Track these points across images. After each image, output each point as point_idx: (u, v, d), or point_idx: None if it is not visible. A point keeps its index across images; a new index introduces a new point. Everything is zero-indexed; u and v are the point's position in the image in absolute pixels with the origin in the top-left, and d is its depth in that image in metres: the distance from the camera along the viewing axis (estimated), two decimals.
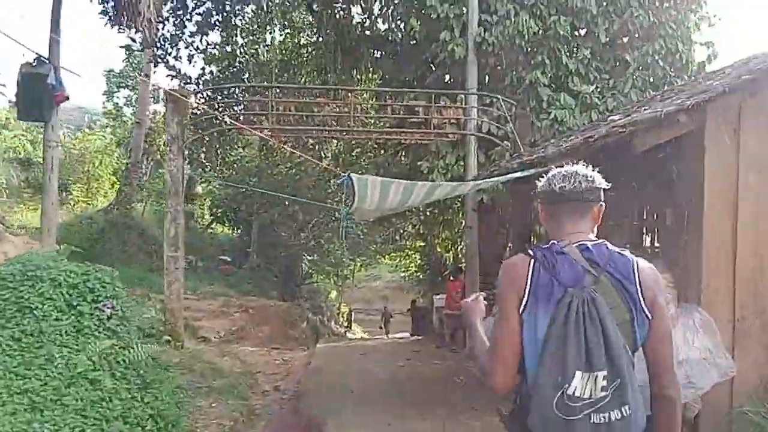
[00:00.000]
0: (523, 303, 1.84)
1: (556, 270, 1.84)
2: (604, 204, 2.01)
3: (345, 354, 10.88)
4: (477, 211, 9.58)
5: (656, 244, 5.26)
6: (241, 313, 12.38)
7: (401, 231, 19.56)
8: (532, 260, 1.89)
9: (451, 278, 11.78)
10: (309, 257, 26.69)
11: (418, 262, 25.89)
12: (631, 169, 4.91)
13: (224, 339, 11.42)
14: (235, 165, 17.42)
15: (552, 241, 1.95)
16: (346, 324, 35.01)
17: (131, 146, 16.74)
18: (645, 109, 4.69)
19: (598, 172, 2.00)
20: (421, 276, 24.13)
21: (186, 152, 13.87)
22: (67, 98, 7.52)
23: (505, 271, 1.95)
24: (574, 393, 1.71)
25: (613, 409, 1.73)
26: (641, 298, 1.84)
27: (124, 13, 8.16)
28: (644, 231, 5.42)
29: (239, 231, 23.42)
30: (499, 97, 7.73)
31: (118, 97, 30.59)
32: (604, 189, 2.00)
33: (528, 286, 1.85)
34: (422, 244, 22.16)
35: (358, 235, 23.97)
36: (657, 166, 4.59)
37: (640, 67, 10.31)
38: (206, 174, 18.79)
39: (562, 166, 2.05)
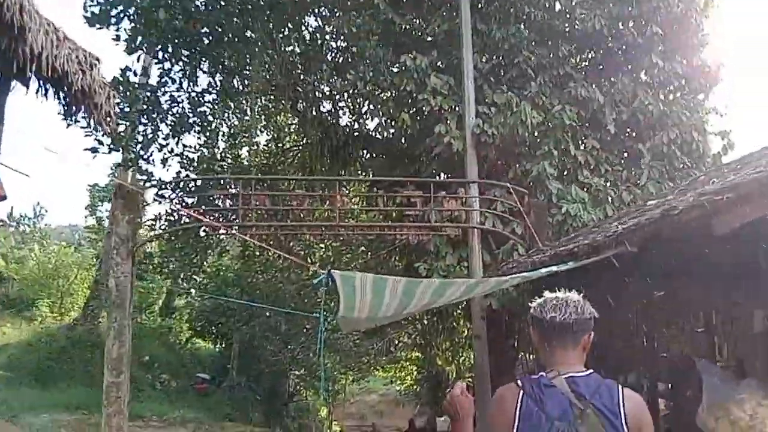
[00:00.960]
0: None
1: (544, 403, 1.92)
2: (593, 333, 2.07)
3: None
4: (485, 319, 8.33)
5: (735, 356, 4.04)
6: None
7: (396, 342, 17.99)
8: (521, 392, 1.97)
9: None
10: (296, 372, 24.80)
11: (415, 374, 24.02)
12: (698, 258, 3.80)
13: None
14: (213, 274, 16.16)
15: (541, 373, 2.01)
16: None
17: (101, 258, 15.53)
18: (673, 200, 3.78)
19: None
20: (418, 389, 22.22)
21: (158, 261, 12.85)
22: (4, 198, 6.44)
23: (496, 401, 2.04)
24: None
25: None
26: (626, 430, 1.90)
27: (79, 104, 7.28)
28: (714, 339, 4.18)
29: (221, 346, 21.74)
30: (508, 185, 6.75)
31: (101, 211, 29.81)
32: (594, 318, 2.07)
33: (517, 419, 1.93)
34: (419, 355, 20.55)
35: (350, 347, 22.35)
36: (738, 254, 3.49)
37: (655, 158, 9.51)
38: (180, 286, 17.48)
39: (553, 298, 2.11)
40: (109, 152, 9.92)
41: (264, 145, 13.54)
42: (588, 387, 1.95)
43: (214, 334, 20.59)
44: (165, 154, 11.01)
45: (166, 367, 17.16)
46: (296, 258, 6.65)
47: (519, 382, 2.01)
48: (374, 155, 11.27)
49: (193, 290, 15.40)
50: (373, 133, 11.44)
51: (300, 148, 11.69)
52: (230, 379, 17.84)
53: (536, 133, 9.07)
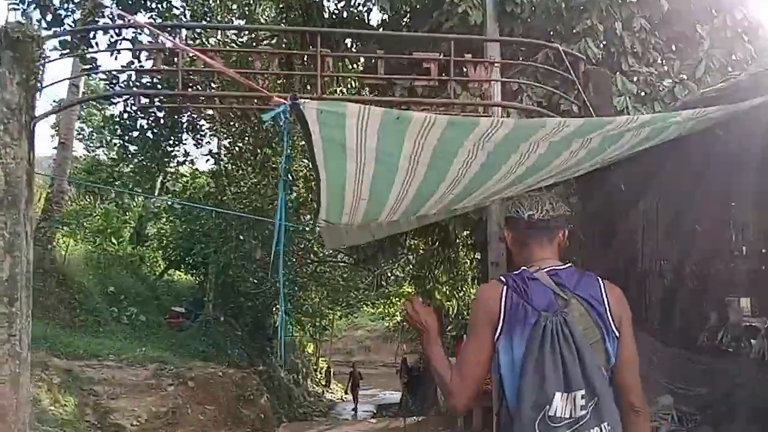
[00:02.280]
0: (498, 329, 1.88)
1: (528, 295, 1.88)
2: (567, 230, 2.08)
3: None
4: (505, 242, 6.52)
5: None
6: (177, 386, 9.11)
7: (388, 274, 16.40)
8: (504, 287, 1.92)
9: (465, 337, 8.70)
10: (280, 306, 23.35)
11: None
12: None
13: (146, 427, 8.14)
14: (180, 192, 14.27)
15: (522, 268, 1.99)
16: (324, 382, 31.31)
17: (53, 172, 13.53)
18: None
19: None
20: (410, 326, 20.92)
21: (108, 171, 10.98)
22: None
23: (479, 298, 2.01)
24: (555, 414, 1.75)
25: (593, 427, 1.77)
26: (610, 318, 1.90)
27: None
28: None
29: (199, 278, 20.04)
30: (559, 46, 4.84)
31: None
32: (568, 214, 2.07)
33: (502, 313, 1.88)
34: (411, 290, 19.08)
35: (337, 281, 20.84)
36: None
37: (715, 45, 7.62)
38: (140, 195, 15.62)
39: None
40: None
41: (234, 35, 11.39)
42: (570, 278, 1.95)
43: (190, 264, 18.85)
44: (112, 37, 8.90)
45: (135, 300, 15.47)
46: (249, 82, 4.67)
47: (502, 278, 1.99)
48: (365, 43, 9.23)
49: (157, 200, 13.37)
50: (366, 17, 9.39)
51: (276, 38, 9.62)
52: (205, 313, 16.20)
53: (574, 7, 7.14)
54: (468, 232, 9.33)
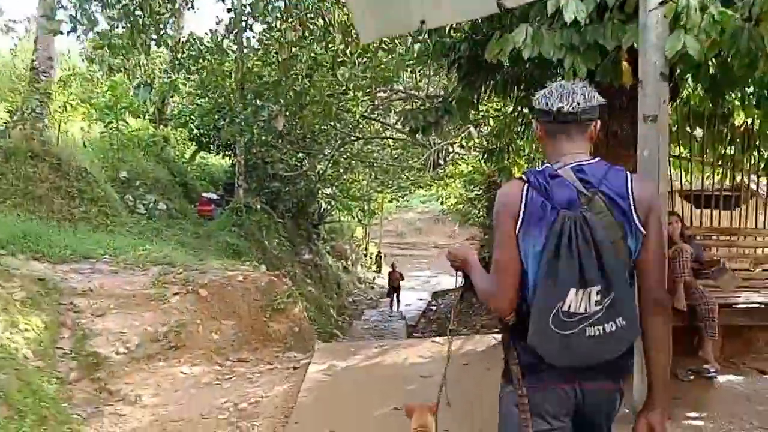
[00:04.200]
0: (519, 225, 1.86)
1: (549, 193, 1.86)
2: (599, 122, 1.99)
3: (364, 383, 5.59)
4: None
5: None
6: (185, 295, 7.05)
7: (449, 150, 13.73)
8: (526, 185, 1.89)
9: None
10: (325, 191, 21.26)
11: (464, 192, 20.15)
12: None
13: (137, 354, 6.15)
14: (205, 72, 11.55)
15: (546, 165, 1.96)
16: (375, 267, 29.94)
17: (36, 36, 11.03)
18: None
19: None
20: (477, 212, 18.35)
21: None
22: None
23: (499, 198, 1.95)
24: (569, 309, 1.78)
25: (608, 321, 1.80)
26: (634, 214, 1.86)
27: None
28: None
29: (231, 160, 17.83)
30: None
31: None
32: (601, 105, 1.97)
33: (522, 210, 1.86)
34: (471, 168, 16.42)
35: (387, 161, 18.36)
36: None
37: None
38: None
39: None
40: None
41: None
42: (596, 174, 1.89)
43: (221, 145, 16.58)
44: None
45: (156, 186, 13.42)
46: None
47: (524, 176, 1.93)
48: None
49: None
50: None
51: None
52: (237, 201, 14.09)
53: None
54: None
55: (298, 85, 8.44)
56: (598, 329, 1.80)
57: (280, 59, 8.27)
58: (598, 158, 1.96)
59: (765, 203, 8.30)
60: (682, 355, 5.06)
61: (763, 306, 5.92)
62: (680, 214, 6.32)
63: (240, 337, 7.06)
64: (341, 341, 9.29)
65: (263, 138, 12.81)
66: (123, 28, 8.39)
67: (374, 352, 6.66)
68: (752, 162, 7.90)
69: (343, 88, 11.58)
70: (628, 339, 1.86)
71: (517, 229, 1.87)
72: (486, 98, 7.65)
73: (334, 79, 11.26)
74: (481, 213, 18.31)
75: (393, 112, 14.97)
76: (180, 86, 15.09)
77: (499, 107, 9.98)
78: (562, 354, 1.81)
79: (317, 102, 10.82)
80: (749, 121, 7.61)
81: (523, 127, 8.48)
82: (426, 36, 7.26)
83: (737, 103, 8.05)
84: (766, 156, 7.85)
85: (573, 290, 1.77)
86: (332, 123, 13.69)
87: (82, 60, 16.29)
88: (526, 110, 8.21)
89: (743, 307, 5.80)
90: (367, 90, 12.12)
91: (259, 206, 15.15)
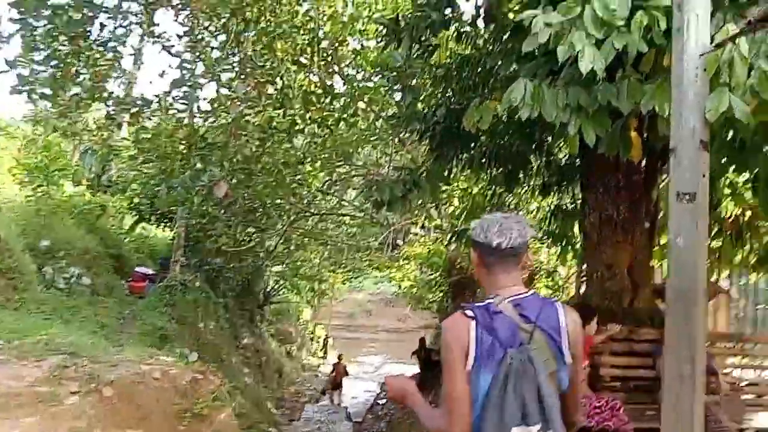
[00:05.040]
0: (470, 364, 1.90)
1: (496, 330, 1.90)
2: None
3: None
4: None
5: None
6: (85, 395, 5.65)
7: (403, 233, 12.84)
8: (473, 322, 1.93)
9: None
10: (274, 269, 19.98)
11: (418, 274, 19.13)
12: None
13: None
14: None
15: (487, 300, 2.00)
16: (321, 353, 28.21)
17: None
18: None
19: None
20: (432, 296, 17.31)
21: None
22: None
23: (449, 330, 1.98)
24: None
25: None
26: (566, 347, 1.95)
27: None
28: None
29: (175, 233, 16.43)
30: None
31: None
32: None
33: (474, 348, 1.90)
34: (431, 252, 15.53)
35: (342, 239, 17.34)
36: None
37: None
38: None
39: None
40: None
41: None
42: (532, 308, 1.97)
43: (161, 215, 15.28)
44: None
45: (83, 257, 11.93)
46: None
47: (468, 312, 1.96)
48: None
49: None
50: None
51: None
52: (172, 276, 12.68)
53: None
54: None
55: (247, 150, 7.53)
56: None
57: (228, 119, 7.33)
58: (532, 291, 2.03)
59: (728, 301, 7.53)
60: None
61: None
62: None
63: None
64: None
65: (204, 208, 11.63)
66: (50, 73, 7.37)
67: None
68: (743, 256, 7.25)
69: (299, 158, 10.69)
70: None
71: (469, 366, 1.90)
72: (460, 173, 6.86)
73: (289, 147, 10.38)
74: (435, 297, 17.35)
75: (351, 188, 14.13)
76: (121, 151, 13.95)
77: (465, 186, 9.24)
78: None
79: (269, 171, 9.86)
80: (739, 211, 6.99)
81: (494, 208, 7.73)
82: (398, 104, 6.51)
83: (726, 191, 7.45)
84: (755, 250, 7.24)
85: (516, 429, 1.82)
86: (285, 196, 12.68)
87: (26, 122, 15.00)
88: (501, 190, 7.47)
89: None
90: (326, 162, 11.25)
91: (198, 284, 13.76)
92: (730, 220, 7.27)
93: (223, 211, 11.70)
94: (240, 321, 17.83)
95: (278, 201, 13.43)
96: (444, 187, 6.92)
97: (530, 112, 3.74)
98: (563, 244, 7.51)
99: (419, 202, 7.59)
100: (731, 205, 8.07)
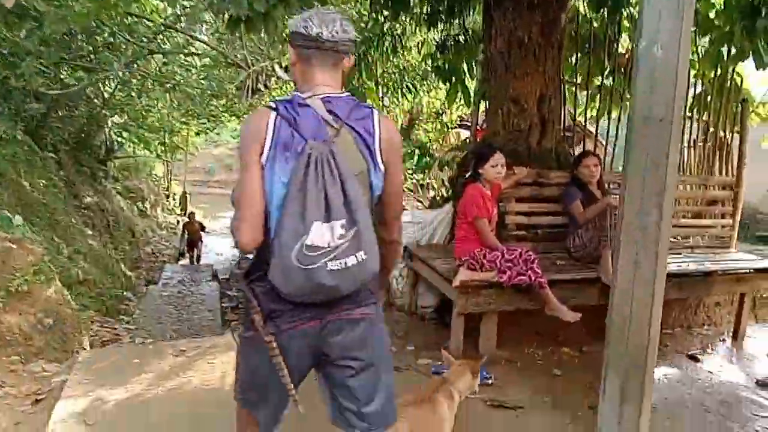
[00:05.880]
0: (265, 155, 1.79)
1: (297, 123, 1.81)
2: (353, 57, 2.00)
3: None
4: None
5: None
6: None
7: (270, 70, 11.25)
8: (274, 113, 1.82)
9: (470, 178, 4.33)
10: (115, 120, 17.54)
11: None
12: None
13: None
14: None
15: (295, 94, 1.91)
16: (179, 210, 26.43)
17: None
18: None
19: None
20: None
21: None
22: None
23: (245, 126, 1.86)
24: (312, 243, 1.73)
25: (349, 255, 1.77)
26: (378, 151, 1.87)
27: None
28: None
29: None
30: None
31: None
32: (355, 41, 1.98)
33: (270, 139, 1.80)
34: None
35: (193, 85, 15.23)
36: None
37: None
38: None
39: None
40: None
41: None
42: (344, 107, 1.87)
43: None
44: None
45: None
46: None
47: (272, 104, 1.86)
48: None
49: None
50: None
51: None
52: None
53: None
54: None
55: None
56: (340, 263, 1.77)
57: None
58: (348, 93, 1.93)
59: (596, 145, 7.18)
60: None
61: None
62: (600, 157, 4.86)
63: None
64: (122, 336, 6.64)
65: (2, 37, 9.15)
66: None
67: (170, 365, 4.33)
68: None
69: None
70: (369, 272, 1.84)
71: (264, 159, 1.79)
72: None
73: None
74: None
75: (202, 22, 12.04)
76: None
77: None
78: (303, 289, 1.77)
79: None
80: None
81: (386, 37, 6.51)
82: None
83: (627, 24, 6.78)
84: None
85: (318, 223, 1.74)
86: (120, 30, 10.47)
87: None
88: (384, 16, 6.22)
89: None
90: None
91: (17, 135, 11.44)
92: (627, 56, 6.71)
93: (37, 43, 9.28)
94: (79, 178, 15.60)
95: (112, 39, 11.15)
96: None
97: None
98: (452, 81, 6.58)
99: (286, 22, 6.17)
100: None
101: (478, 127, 6.01)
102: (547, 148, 4.83)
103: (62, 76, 12.75)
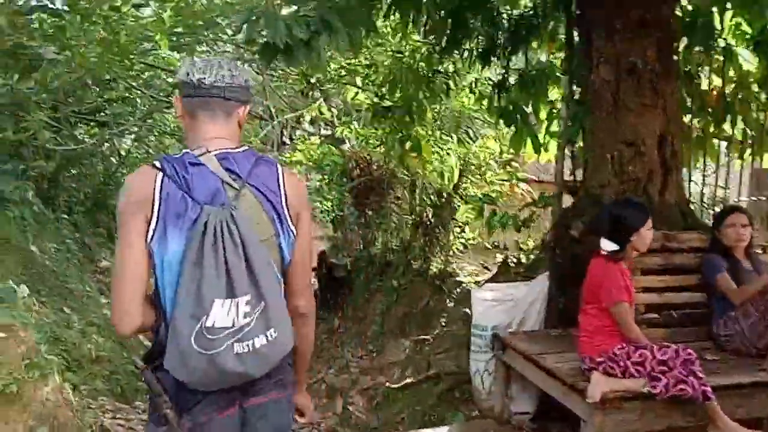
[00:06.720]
0: (152, 227, 1.54)
1: (190, 185, 1.57)
2: (249, 106, 1.78)
3: None
4: None
5: None
6: None
7: (290, 128, 10.45)
8: (160, 174, 1.57)
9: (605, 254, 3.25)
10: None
11: (307, 181, 16.88)
12: None
13: None
14: None
15: (185, 151, 1.65)
16: None
17: None
18: None
19: None
20: (323, 207, 15.20)
21: None
22: None
23: (127, 188, 1.60)
24: (213, 324, 1.50)
25: (258, 335, 1.56)
26: (286, 211, 1.68)
27: None
28: None
29: None
30: None
31: None
32: (250, 89, 1.77)
33: (157, 207, 1.54)
34: (326, 152, 13.24)
35: None
36: None
37: None
38: None
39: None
40: None
41: None
42: (244, 164, 1.65)
43: None
44: None
45: None
46: None
47: (156, 163, 1.60)
48: None
49: None
50: None
51: None
52: None
53: None
54: None
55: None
56: (248, 344, 1.54)
57: None
58: (246, 147, 1.71)
59: None
60: None
61: None
62: (750, 214, 3.75)
63: None
64: (137, 430, 5.65)
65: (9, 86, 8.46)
66: None
67: None
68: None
69: (146, 26, 7.87)
70: (281, 351, 1.64)
71: (150, 230, 1.54)
72: (388, 14, 4.55)
73: (135, 22, 7.63)
74: (326, 206, 15.30)
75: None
76: None
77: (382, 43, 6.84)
78: (206, 377, 1.52)
79: (106, 43, 7.02)
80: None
81: (436, 76, 5.56)
82: None
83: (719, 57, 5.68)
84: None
85: (219, 301, 1.51)
86: (132, 82, 9.84)
87: None
88: (456, 53, 5.33)
89: None
90: (187, 33, 8.47)
91: (30, 197, 10.68)
92: (714, 92, 5.67)
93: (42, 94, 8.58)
94: (97, 240, 14.89)
95: (122, 87, 10.54)
96: (375, 31, 4.56)
97: None
98: (516, 124, 5.61)
99: (330, 54, 5.29)
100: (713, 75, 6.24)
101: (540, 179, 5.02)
102: (670, 203, 3.78)
103: (75, 132, 12.14)
